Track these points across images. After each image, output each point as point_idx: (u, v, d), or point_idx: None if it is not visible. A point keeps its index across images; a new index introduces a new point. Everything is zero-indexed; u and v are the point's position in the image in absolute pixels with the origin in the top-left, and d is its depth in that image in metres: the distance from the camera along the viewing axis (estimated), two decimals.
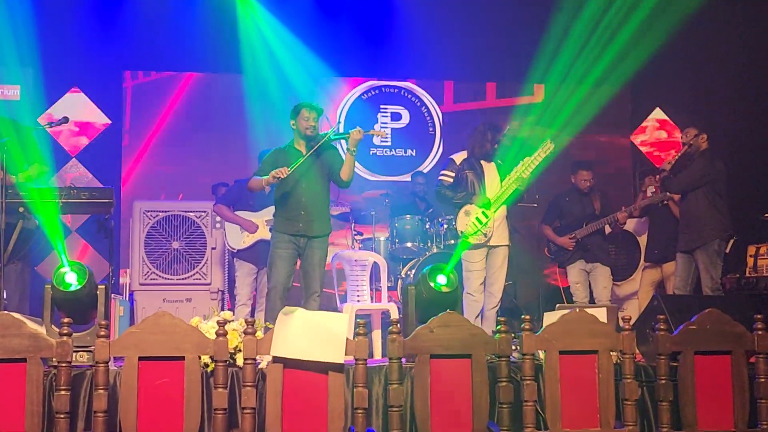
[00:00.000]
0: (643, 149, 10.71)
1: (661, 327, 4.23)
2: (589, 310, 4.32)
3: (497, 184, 6.72)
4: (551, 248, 7.89)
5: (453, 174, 6.81)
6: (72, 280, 4.74)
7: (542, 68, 9.32)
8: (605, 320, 4.45)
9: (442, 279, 5.47)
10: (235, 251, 7.46)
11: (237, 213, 7.46)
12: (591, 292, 7.64)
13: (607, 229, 7.90)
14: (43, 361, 3.87)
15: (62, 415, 3.78)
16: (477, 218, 6.65)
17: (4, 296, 6.16)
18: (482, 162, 6.80)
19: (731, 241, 7.31)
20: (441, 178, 6.89)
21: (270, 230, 7.10)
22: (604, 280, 7.57)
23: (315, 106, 6.24)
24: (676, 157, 7.39)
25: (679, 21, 8.90)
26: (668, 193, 7.66)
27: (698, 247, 7.11)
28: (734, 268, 7.78)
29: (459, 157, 6.90)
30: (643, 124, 10.76)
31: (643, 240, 8.64)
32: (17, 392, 3.76)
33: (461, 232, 6.68)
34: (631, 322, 4.25)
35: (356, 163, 6.51)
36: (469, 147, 6.91)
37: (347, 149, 6.17)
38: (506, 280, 6.92)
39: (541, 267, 8.49)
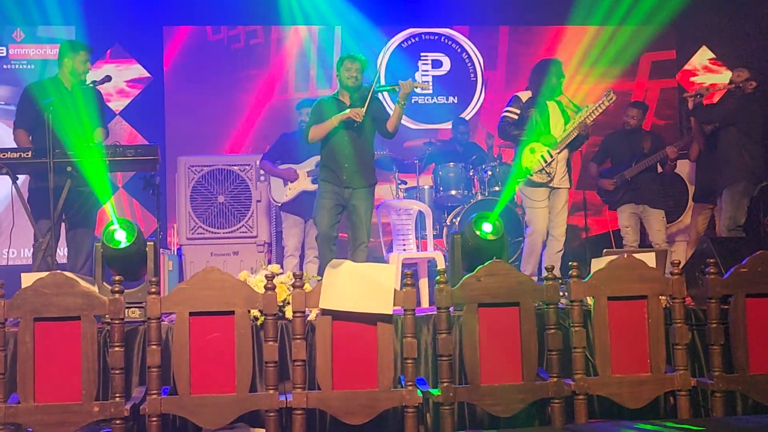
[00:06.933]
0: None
1: (711, 270, 4.19)
2: (637, 255, 4.29)
3: (561, 126, 6.70)
4: (600, 190, 7.82)
5: (518, 111, 6.74)
6: (121, 237, 4.78)
7: (584, 10, 9.18)
8: (653, 265, 4.42)
9: (487, 227, 5.43)
10: (279, 205, 7.49)
11: (280, 166, 7.48)
12: (642, 236, 7.60)
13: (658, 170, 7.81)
14: (96, 318, 3.93)
15: (117, 371, 3.86)
16: (542, 156, 6.61)
17: (62, 254, 6.25)
18: (547, 102, 6.73)
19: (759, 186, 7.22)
20: (505, 114, 6.81)
21: (312, 182, 7.13)
22: (657, 224, 7.49)
23: (358, 57, 6.25)
24: (717, 89, 7.36)
25: None
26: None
27: (725, 186, 7.08)
28: None
29: (524, 95, 6.82)
30: (689, 64, 10.55)
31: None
32: (73, 349, 3.85)
33: (525, 167, 6.62)
34: (681, 266, 4.21)
35: None
36: (533, 86, 6.82)
37: (397, 101, 6.16)
38: None
39: (587, 211, 8.41)
